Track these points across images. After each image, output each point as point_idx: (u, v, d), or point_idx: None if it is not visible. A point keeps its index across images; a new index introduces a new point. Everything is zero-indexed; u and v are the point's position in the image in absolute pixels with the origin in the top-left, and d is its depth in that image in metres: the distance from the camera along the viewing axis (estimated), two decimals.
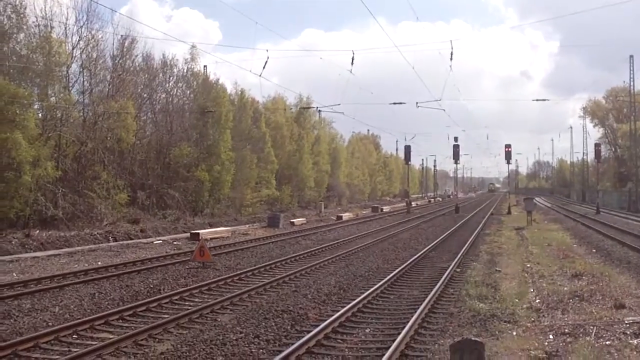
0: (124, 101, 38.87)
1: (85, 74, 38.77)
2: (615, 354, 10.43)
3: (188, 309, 14.63)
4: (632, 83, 70.26)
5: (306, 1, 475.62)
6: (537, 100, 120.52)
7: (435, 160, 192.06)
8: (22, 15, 33.53)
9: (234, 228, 38.68)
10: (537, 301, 15.07)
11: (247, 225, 42.55)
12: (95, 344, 11.42)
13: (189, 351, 11.09)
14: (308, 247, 29.49)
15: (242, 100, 55.66)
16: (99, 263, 23.13)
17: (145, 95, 46.00)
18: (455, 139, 71.67)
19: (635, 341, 11.22)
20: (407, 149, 71.75)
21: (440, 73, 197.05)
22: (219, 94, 49.57)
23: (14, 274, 20.38)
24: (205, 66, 50.91)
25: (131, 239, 31.68)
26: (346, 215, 55.54)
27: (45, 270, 21.15)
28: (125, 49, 42.60)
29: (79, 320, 13.22)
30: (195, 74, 49.78)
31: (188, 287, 17.57)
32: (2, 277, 19.66)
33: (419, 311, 13.63)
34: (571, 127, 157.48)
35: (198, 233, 32.58)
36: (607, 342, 11.20)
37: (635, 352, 10.57)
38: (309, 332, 12.16)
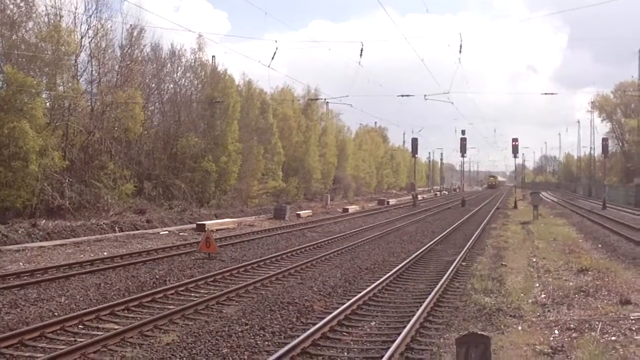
0: (132, 91, 38.89)
1: (93, 64, 38.97)
2: (621, 350, 10.42)
3: (194, 300, 14.66)
4: None
5: None
6: (545, 94, 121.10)
7: (442, 154, 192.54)
8: (31, 3, 33.67)
9: (240, 219, 38.76)
10: (543, 296, 15.06)
11: (253, 217, 42.62)
12: (101, 334, 11.45)
13: (194, 342, 11.11)
14: (314, 239, 29.48)
15: (249, 91, 55.61)
16: (105, 253, 23.17)
17: (153, 85, 46.15)
18: (463, 132, 71.42)
19: None
20: (414, 142, 71.44)
21: (448, 66, 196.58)
22: (227, 85, 49.50)
23: (20, 263, 20.44)
24: (213, 56, 50.98)
25: (137, 229, 31.70)
26: (352, 208, 55.51)
27: (52, 260, 21.22)
28: (133, 39, 42.69)
29: (85, 311, 13.27)
30: (203, 64, 49.72)
31: (194, 278, 17.60)
32: (9, 266, 19.76)
33: (424, 305, 13.64)
34: (579, 122, 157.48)
35: (204, 224, 32.62)
36: (613, 338, 11.18)
37: None
38: (314, 324, 12.17)
